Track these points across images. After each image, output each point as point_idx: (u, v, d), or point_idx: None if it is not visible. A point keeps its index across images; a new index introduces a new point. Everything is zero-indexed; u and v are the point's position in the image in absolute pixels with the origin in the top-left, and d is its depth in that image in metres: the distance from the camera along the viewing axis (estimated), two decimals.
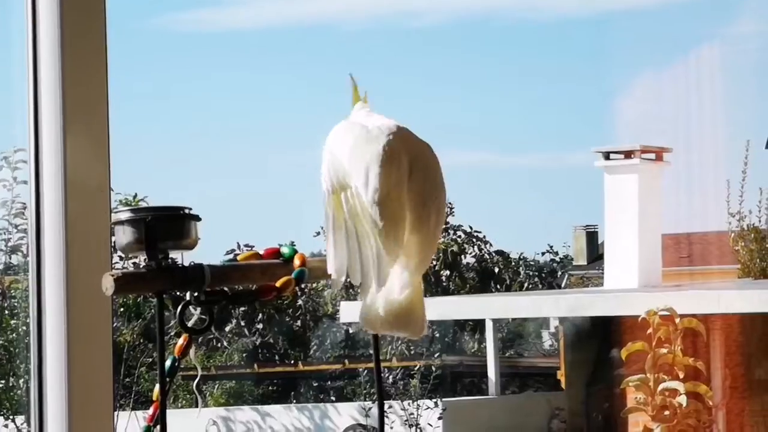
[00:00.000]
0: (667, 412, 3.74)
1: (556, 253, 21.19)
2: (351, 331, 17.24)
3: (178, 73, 25.20)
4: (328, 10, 25.15)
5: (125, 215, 2.33)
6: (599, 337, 11.90)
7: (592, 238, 24.31)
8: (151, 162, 23.13)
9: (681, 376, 3.81)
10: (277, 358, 17.69)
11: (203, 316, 2.37)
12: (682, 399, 3.73)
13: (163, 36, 24.69)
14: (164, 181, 22.54)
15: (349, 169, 2.35)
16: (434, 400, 13.70)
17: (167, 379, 2.36)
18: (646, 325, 4.11)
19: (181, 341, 2.38)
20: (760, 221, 12.32)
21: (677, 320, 3.90)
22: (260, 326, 17.54)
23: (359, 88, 2.53)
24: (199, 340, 15.00)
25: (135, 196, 15.24)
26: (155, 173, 22.88)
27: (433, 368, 14.67)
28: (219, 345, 17.33)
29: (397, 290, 2.33)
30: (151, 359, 14.05)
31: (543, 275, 20.48)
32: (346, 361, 16.48)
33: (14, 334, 10.74)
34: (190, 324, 2.37)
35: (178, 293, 2.39)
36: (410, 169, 2.37)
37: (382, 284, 2.33)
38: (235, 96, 25.23)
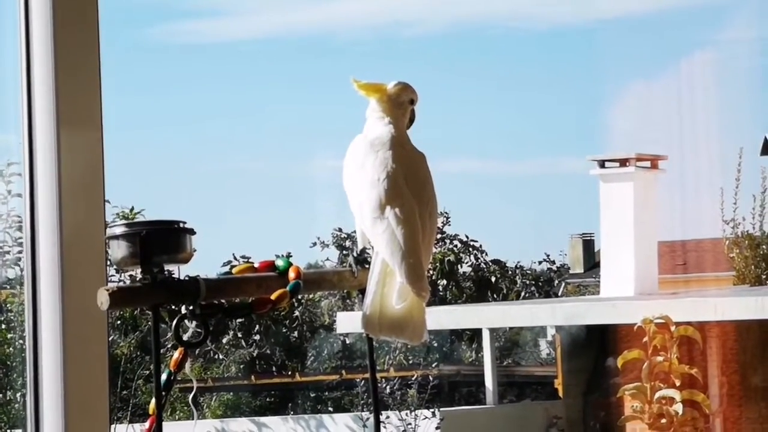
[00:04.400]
0: (663, 420, 3.74)
1: (553, 262, 21.16)
2: (348, 341, 17.23)
3: (174, 84, 25.21)
4: (322, 20, 25.18)
5: (120, 229, 2.33)
6: (596, 346, 11.89)
7: (589, 246, 24.31)
8: (149, 174, 23.12)
9: (677, 384, 3.82)
10: (274, 369, 17.66)
11: (199, 330, 2.37)
12: (679, 407, 3.74)
13: (158, 47, 24.69)
14: (162, 193, 22.53)
15: (356, 183, 2.51)
16: (432, 409, 13.68)
17: (163, 393, 2.36)
18: (642, 333, 4.11)
19: (176, 355, 2.38)
20: (754, 228, 12.34)
21: (673, 328, 3.91)
22: (257, 337, 17.52)
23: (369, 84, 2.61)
24: (196, 351, 14.97)
25: (132, 209, 15.23)
26: (153, 185, 22.87)
27: (431, 378, 14.65)
28: (216, 357, 17.31)
29: (395, 298, 2.42)
30: (148, 372, 14.02)
31: (540, 284, 20.45)
32: (344, 371, 16.46)
33: (11, 348, 10.72)
34: (185, 337, 2.37)
35: (173, 306, 2.39)
36: (405, 179, 2.50)
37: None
38: (231, 107, 25.24)
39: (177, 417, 14.73)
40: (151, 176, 23.37)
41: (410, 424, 13.47)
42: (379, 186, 2.46)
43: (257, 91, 25.26)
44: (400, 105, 2.60)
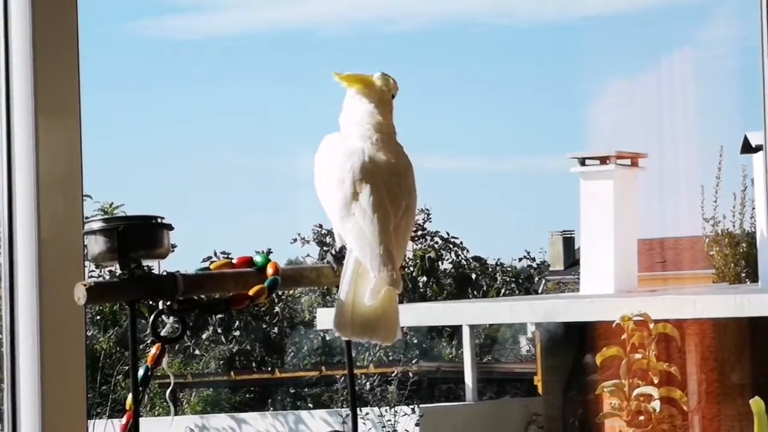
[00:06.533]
0: (641, 417, 3.76)
1: (533, 259, 21.19)
2: (328, 337, 17.22)
3: (156, 79, 25.15)
4: (305, 15, 25.15)
5: (97, 224, 2.32)
6: (576, 343, 11.92)
7: (569, 243, 24.36)
8: (131, 169, 23.07)
9: (655, 381, 3.83)
10: (254, 365, 17.65)
11: (176, 325, 2.37)
12: (657, 404, 3.76)
13: (140, 42, 24.63)
14: (144, 189, 22.48)
15: (326, 181, 2.46)
16: (411, 406, 13.69)
17: (140, 389, 2.36)
18: (620, 330, 4.12)
19: (153, 350, 2.38)
20: (734, 226, 12.39)
21: (651, 325, 3.92)
22: (237, 333, 17.50)
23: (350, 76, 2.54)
24: (176, 347, 14.88)
25: (112, 204, 15.21)
26: (135, 181, 22.82)
27: (410, 374, 14.66)
28: (196, 353, 17.29)
29: (367, 296, 2.37)
30: (127, 367, 13.99)
31: (520, 281, 20.48)
32: (323, 367, 16.46)
33: None
34: (163, 333, 2.37)
35: (152, 302, 2.39)
36: (382, 172, 2.45)
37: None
38: (212, 103, 25.20)
39: (156, 413, 14.71)
40: (133, 172, 23.33)
41: (390, 420, 13.47)
42: (346, 182, 2.41)
43: (238, 87, 25.22)
44: (384, 95, 2.52)
